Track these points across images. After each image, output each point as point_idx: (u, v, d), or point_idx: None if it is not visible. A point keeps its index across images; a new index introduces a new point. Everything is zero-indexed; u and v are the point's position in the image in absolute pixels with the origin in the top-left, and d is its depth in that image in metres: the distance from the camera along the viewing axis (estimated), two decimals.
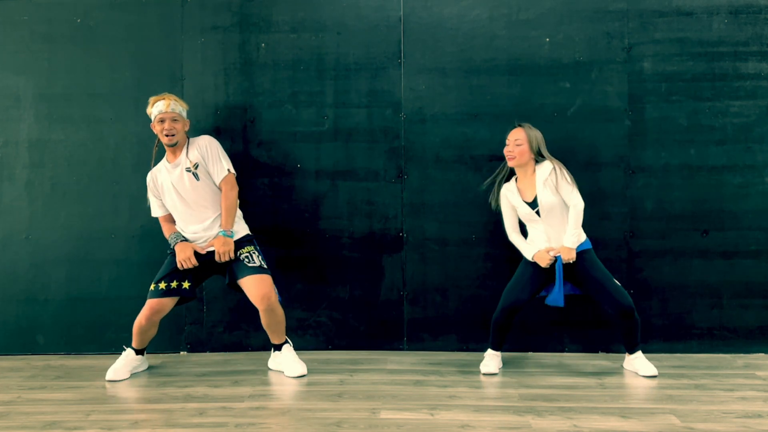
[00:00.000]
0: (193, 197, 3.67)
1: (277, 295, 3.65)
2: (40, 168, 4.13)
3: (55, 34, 4.12)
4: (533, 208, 3.60)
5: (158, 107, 3.64)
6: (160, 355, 4.08)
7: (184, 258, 3.60)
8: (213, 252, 3.67)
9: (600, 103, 3.96)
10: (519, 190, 3.68)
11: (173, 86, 4.08)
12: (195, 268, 3.66)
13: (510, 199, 3.71)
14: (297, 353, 3.85)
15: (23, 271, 4.13)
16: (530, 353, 4.02)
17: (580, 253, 3.58)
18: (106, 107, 4.11)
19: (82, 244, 4.11)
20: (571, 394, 3.27)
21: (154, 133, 4.03)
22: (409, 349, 4.09)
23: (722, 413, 2.99)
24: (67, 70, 4.12)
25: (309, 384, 3.48)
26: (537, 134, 3.65)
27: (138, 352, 3.74)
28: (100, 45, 4.11)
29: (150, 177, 3.76)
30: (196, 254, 3.66)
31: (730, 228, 3.95)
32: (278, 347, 3.74)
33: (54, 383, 3.57)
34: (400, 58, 4.05)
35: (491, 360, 3.68)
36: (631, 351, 3.64)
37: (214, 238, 3.65)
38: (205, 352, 4.12)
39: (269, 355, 3.92)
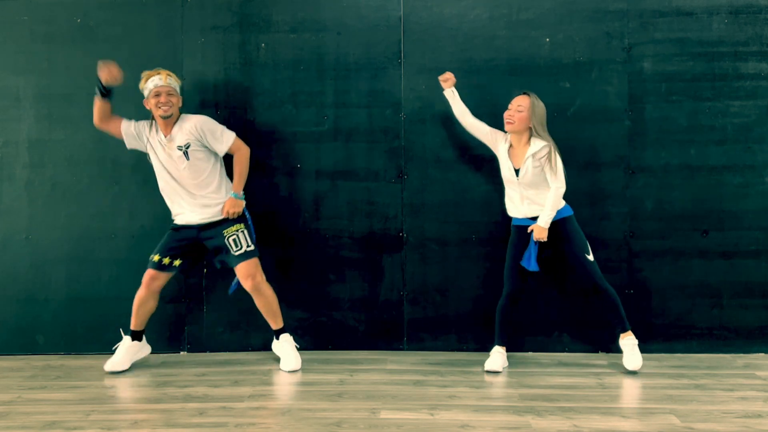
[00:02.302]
0: (181, 175, 3.73)
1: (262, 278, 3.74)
2: (40, 168, 4.13)
3: (55, 34, 4.12)
4: (516, 176, 3.64)
5: (154, 81, 3.68)
6: (160, 355, 4.07)
7: (108, 68, 3.64)
8: (203, 228, 3.74)
9: (600, 103, 3.96)
10: (510, 152, 3.70)
11: None
12: (187, 246, 3.78)
13: (501, 147, 3.72)
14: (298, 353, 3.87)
15: (23, 271, 4.13)
16: (530, 353, 4.02)
17: (559, 221, 3.63)
18: None
19: (82, 244, 4.11)
20: (571, 394, 3.27)
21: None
22: (409, 349, 4.09)
23: (722, 413, 2.99)
24: (67, 70, 4.12)
25: (309, 384, 3.48)
26: (541, 108, 3.65)
27: (135, 336, 3.79)
28: (100, 45, 4.11)
29: (139, 123, 3.80)
30: (188, 235, 3.76)
31: (730, 228, 3.95)
32: (276, 334, 3.81)
33: (54, 383, 3.57)
34: (400, 58, 4.05)
35: (496, 357, 3.69)
36: (618, 330, 3.69)
37: (223, 201, 3.76)
38: (205, 352, 4.12)
39: (269, 355, 3.93)
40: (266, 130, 4.07)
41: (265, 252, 4.03)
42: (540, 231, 3.57)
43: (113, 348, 3.87)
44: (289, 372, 3.69)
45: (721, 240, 3.95)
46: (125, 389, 3.45)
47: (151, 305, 3.79)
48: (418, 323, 4.08)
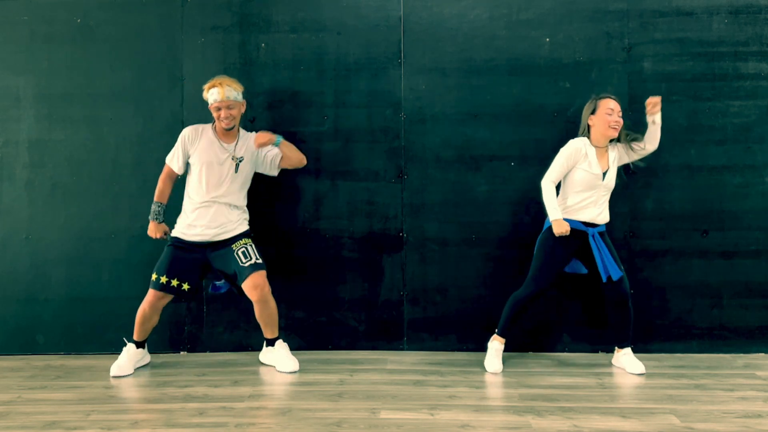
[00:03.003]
0: (220, 181, 3.71)
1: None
2: (40, 168, 4.13)
3: (55, 34, 4.12)
4: (602, 179, 3.63)
5: (213, 96, 3.69)
6: (160, 355, 4.07)
7: (152, 234, 3.79)
8: (212, 246, 3.71)
9: None
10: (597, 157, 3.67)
11: (173, 86, 4.08)
12: (197, 268, 3.73)
13: (583, 156, 3.63)
14: (297, 353, 3.87)
15: (23, 271, 4.13)
16: (530, 353, 4.02)
17: (604, 231, 3.67)
18: (106, 107, 4.10)
19: (82, 244, 4.11)
20: (571, 394, 3.27)
21: (154, 132, 4.06)
22: (409, 349, 4.09)
23: (722, 413, 2.99)
24: (67, 70, 4.12)
25: (309, 384, 3.48)
26: None
27: (138, 345, 3.78)
28: (100, 45, 4.11)
29: (193, 130, 3.77)
30: (196, 255, 3.71)
31: (730, 228, 3.95)
32: (271, 342, 3.79)
33: (54, 383, 3.57)
34: (400, 58, 4.05)
35: (496, 355, 3.68)
36: (621, 345, 3.68)
37: (239, 220, 3.78)
38: (205, 352, 4.12)
39: (263, 358, 3.93)
40: (266, 130, 4.07)
41: (266, 252, 4.03)
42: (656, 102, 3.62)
43: (122, 345, 3.87)
44: (288, 372, 3.68)
45: (721, 240, 3.95)
46: (125, 389, 3.45)
47: (155, 320, 3.76)
48: (418, 323, 4.08)
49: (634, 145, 3.71)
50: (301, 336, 4.09)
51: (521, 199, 3.97)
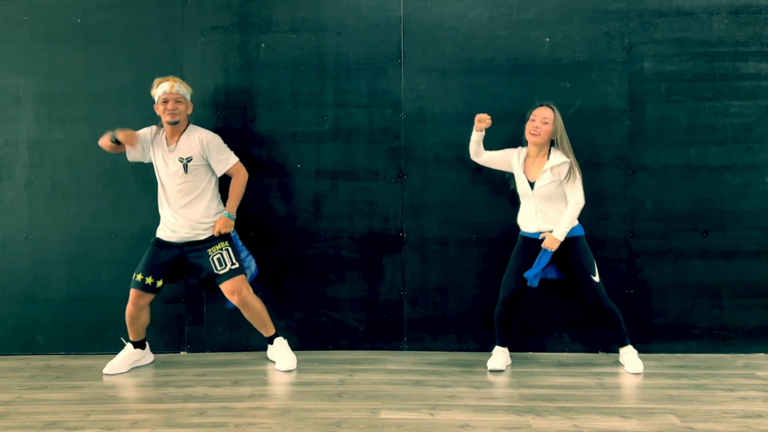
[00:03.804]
0: (175, 187, 3.73)
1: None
2: (40, 168, 4.13)
3: (55, 34, 4.12)
4: (531, 188, 3.65)
5: (162, 88, 3.71)
6: (160, 355, 4.07)
7: (126, 135, 3.70)
8: (187, 246, 3.73)
9: (600, 103, 3.96)
10: (525, 165, 3.71)
11: None
12: (170, 265, 3.76)
13: (514, 163, 3.73)
14: (297, 353, 3.87)
15: (23, 271, 4.13)
16: (530, 353, 4.02)
17: (570, 239, 3.64)
18: (106, 107, 4.10)
19: (82, 244, 4.11)
20: (571, 394, 3.27)
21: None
22: (409, 349, 4.09)
23: (722, 413, 2.99)
24: (67, 70, 4.12)
25: (309, 384, 3.48)
26: (561, 122, 3.68)
27: (136, 345, 3.79)
28: (100, 45, 4.11)
29: (153, 129, 3.83)
30: (172, 254, 3.74)
31: (730, 228, 3.95)
32: (270, 340, 3.83)
33: (54, 383, 3.57)
34: (400, 58, 4.05)
35: (499, 356, 3.70)
36: (619, 344, 3.72)
37: (212, 222, 3.76)
38: (205, 352, 4.12)
39: (269, 356, 3.94)
40: (266, 130, 4.07)
41: (266, 252, 4.03)
42: (553, 241, 3.57)
43: (122, 346, 3.88)
44: (285, 372, 3.69)
45: (721, 240, 3.95)
46: (125, 389, 3.45)
47: (144, 319, 3.78)
48: (418, 323, 4.07)
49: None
50: (301, 336, 4.09)
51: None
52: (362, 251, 4.08)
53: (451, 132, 4.02)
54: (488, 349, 4.00)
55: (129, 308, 3.73)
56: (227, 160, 3.78)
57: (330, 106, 4.07)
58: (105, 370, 3.70)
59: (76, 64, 4.11)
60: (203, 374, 3.68)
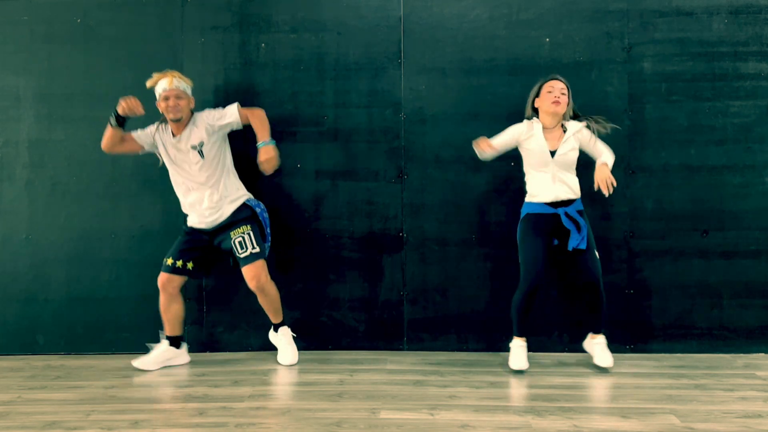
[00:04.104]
0: (196, 175, 3.75)
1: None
2: (40, 168, 4.13)
3: (55, 34, 4.12)
4: (552, 156, 3.62)
5: (162, 85, 3.70)
6: None
7: (127, 102, 3.66)
8: (215, 232, 3.78)
9: (600, 103, 3.96)
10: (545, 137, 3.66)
11: None
12: (200, 249, 3.80)
13: (529, 134, 3.66)
14: (297, 353, 3.87)
15: (23, 271, 4.13)
16: (530, 353, 4.01)
17: (580, 212, 3.65)
18: (106, 107, 4.09)
19: (82, 244, 4.11)
20: (571, 394, 3.27)
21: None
22: (409, 349, 4.09)
23: (722, 413, 2.99)
24: (67, 70, 4.12)
25: (309, 384, 3.48)
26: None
27: (172, 342, 3.82)
28: (100, 45, 4.11)
29: (156, 127, 3.82)
30: (201, 238, 3.79)
31: (730, 228, 3.95)
32: (276, 327, 3.88)
33: (54, 383, 3.57)
34: (400, 58, 4.05)
35: (520, 354, 3.64)
36: (595, 330, 3.69)
37: (236, 197, 3.78)
38: (205, 352, 4.12)
39: (269, 355, 3.94)
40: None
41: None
42: (604, 169, 3.51)
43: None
44: (286, 366, 3.73)
45: (721, 240, 3.95)
46: (125, 389, 3.45)
47: (176, 309, 3.81)
48: (418, 323, 4.08)
49: (591, 136, 3.67)
50: (301, 336, 4.09)
51: (521, 199, 3.96)
52: (362, 251, 4.08)
53: (451, 132, 4.02)
54: (488, 349, 4.02)
55: (161, 297, 3.78)
56: (229, 110, 3.77)
57: (330, 106, 4.07)
58: (135, 363, 3.74)
59: (76, 64, 4.12)
60: (203, 374, 3.68)
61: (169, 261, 3.78)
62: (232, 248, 3.74)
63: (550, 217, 3.63)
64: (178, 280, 3.78)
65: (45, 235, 4.12)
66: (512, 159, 3.99)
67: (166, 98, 3.69)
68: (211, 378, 3.61)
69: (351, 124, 4.07)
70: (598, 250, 3.84)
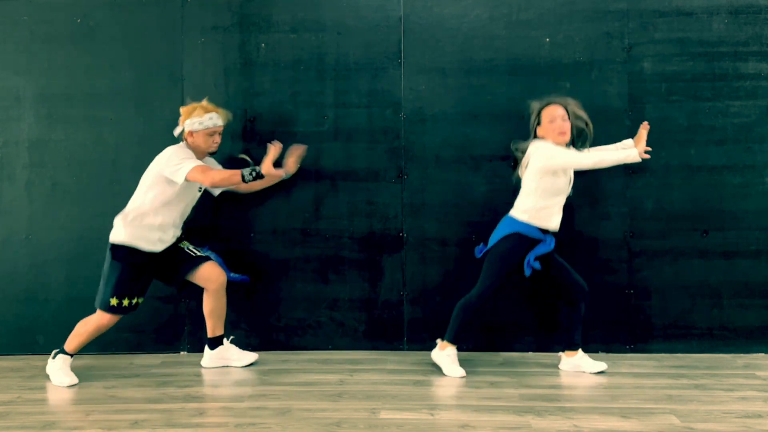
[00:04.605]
0: (192, 203, 3.76)
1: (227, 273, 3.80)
2: (40, 168, 4.13)
3: (55, 34, 4.12)
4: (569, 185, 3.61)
5: (213, 120, 3.65)
6: (160, 355, 4.07)
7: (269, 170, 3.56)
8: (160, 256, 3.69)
9: (600, 103, 3.96)
10: None
11: (173, 86, 4.08)
12: (147, 277, 3.69)
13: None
14: (298, 353, 3.88)
15: (23, 271, 4.13)
16: (530, 353, 4.02)
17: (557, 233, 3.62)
18: (106, 107, 4.10)
19: (82, 244, 4.11)
20: (571, 394, 3.27)
21: (154, 132, 4.05)
22: (409, 349, 4.09)
23: (722, 413, 2.99)
24: (67, 70, 4.12)
25: (309, 384, 3.48)
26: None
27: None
28: (100, 45, 4.11)
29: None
30: (148, 269, 3.67)
31: (730, 228, 3.95)
32: (219, 341, 3.83)
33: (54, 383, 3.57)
34: (400, 58, 4.05)
35: (455, 362, 3.63)
36: (575, 347, 3.64)
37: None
38: None
39: (269, 356, 3.92)
40: (266, 130, 4.07)
41: (266, 252, 4.03)
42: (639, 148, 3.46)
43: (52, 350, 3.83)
44: (249, 366, 3.77)
45: (721, 240, 3.95)
46: (125, 389, 3.45)
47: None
48: (418, 323, 4.07)
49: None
50: (301, 336, 4.09)
51: None
52: (362, 251, 4.08)
53: (451, 132, 4.02)
54: (488, 349, 4.02)
55: (101, 329, 3.65)
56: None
57: (330, 106, 4.07)
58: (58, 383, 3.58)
59: (76, 64, 4.12)
60: (203, 374, 3.68)
61: (125, 302, 3.60)
62: (183, 254, 3.71)
63: (535, 242, 3.57)
64: (115, 320, 3.63)
65: (45, 235, 4.12)
66: (512, 159, 3.99)
67: (213, 134, 3.66)
68: (211, 378, 3.61)
69: (351, 124, 4.07)
70: (598, 250, 3.85)
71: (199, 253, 3.75)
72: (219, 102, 4.05)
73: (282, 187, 4.06)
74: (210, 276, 3.72)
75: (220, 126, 3.70)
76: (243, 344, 4.11)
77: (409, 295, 4.08)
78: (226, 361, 3.82)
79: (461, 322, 3.60)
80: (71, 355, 3.64)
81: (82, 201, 4.11)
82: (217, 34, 4.09)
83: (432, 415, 3.01)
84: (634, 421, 2.90)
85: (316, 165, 4.07)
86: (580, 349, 3.65)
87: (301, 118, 4.07)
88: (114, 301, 3.58)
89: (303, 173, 4.07)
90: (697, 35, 3.96)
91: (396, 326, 4.08)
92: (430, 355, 3.94)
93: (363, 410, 3.07)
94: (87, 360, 3.99)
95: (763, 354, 3.94)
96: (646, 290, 3.98)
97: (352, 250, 4.08)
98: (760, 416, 2.96)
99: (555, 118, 3.53)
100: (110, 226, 4.08)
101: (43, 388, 3.49)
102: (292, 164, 3.80)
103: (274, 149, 3.64)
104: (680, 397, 3.22)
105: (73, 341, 3.62)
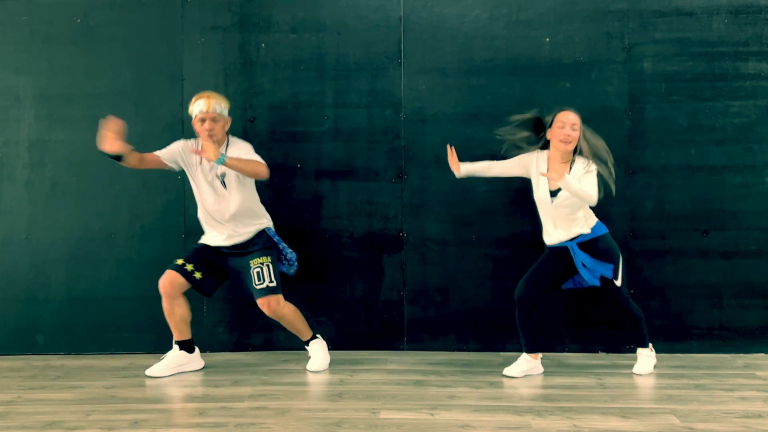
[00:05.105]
0: (219, 201, 3.65)
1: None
2: (40, 168, 4.13)
3: (55, 34, 4.12)
4: (551, 196, 3.51)
5: (199, 106, 3.60)
6: (161, 355, 4.07)
7: (107, 142, 3.46)
8: (231, 253, 3.70)
9: (600, 103, 3.96)
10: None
11: (173, 86, 4.08)
12: (211, 266, 3.70)
13: (533, 168, 3.55)
14: (298, 353, 3.88)
15: (23, 271, 4.13)
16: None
17: (594, 239, 3.52)
18: (106, 107, 4.09)
19: (82, 244, 4.11)
20: (571, 394, 3.27)
21: (154, 132, 4.05)
22: (409, 349, 4.09)
23: (722, 413, 2.99)
24: (67, 70, 4.12)
25: (309, 384, 3.48)
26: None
27: (182, 346, 3.73)
28: (100, 45, 4.11)
29: (184, 144, 3.68)
30: (215, 255, 3.70)
31: (730, 228, 3.95)
32: (306, 343, 3.81)
33: (54, 383, 3.57)
34: (400, 58, 4.05)
35: (519, 363, 3.60)
36: (639, 344, 3.63)
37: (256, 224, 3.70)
38: (205, 352, 4.11)
39: (269, 356, 3.94)
40: (266, 130, 4.07)
41: None
42: (559, 174, 3.33)
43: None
44: (312, 372, 3.69)
45: (721, 240, 3.95)
46: (125, 389, 3.45)
47: (180, 311, 3.68)
48: (418, 323, 4.08)
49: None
50: None
51: (521, 199, 3.96)
52: (362, 251, 4.08)
53: (451, 132, 4.02)
54: (488, 349, 4.03)
55: (163, 302, 3.65)
56: (257, 159, 3.60)
57: (330, 106, 4.07)
58: (147, 372, 3.64)
59: (76, 64, 4.12)
60: (203, 374, 3.68)
61: (180, 261, 3.66)
62: (248, 276, 3.65)
63: (561, 249, 3.54)
64: (180, 282, 3.63)
65: (45, 235, 4.12)
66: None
67: (203, 120, 3.58)
68: (211, 378, 3.61)
69: (351, 124, 4.07)
70: None
71: (258, 285, 3.62)
72: None
73: (282, 187, 4.06)
74: (264, 307, 3.66)
75: (205, 112, 3.57)
76: (243, 344, 4.12)
77: (409, 295, 4.08)
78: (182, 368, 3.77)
79: (521, 333, 3.61)
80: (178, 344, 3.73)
81: (82, 201, 4.11)
82: (217, 34, 4.09)
83: (432, 415, 3.01)
84: (634, 421, 2.90)
85: (316, 165, 4.07)
86: (644, 347, 3.61)
87: (301, 118, 4.08)
88: (179, 261, 3.68)
89: (303, 173, 4.07)
90: (697, 35, 3.96)
91: (396, 326, 4.09)
92: (430, 355, 3.96)
93: (363, 410, 3.07)
94: (87, 360, 4.00)
95: (763, 354, 3.94)
96: (646, 290, 3.98)
97: (352, 250, 4.08)
98: (760, 416, 2.96)
99: (565, 124, 3.50)
100: (110, 226, 4.12)
101: (43, 388, 3.49)
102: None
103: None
104: (680, 397, 3.22)
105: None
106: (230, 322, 4.12)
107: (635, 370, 3.59)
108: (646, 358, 3.61)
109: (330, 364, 3.82)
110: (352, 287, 4.09)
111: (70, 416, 3.06)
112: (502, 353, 4.00)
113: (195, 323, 4.10)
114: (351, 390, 3.37)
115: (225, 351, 4.11)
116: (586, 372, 3.64)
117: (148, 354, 4.07)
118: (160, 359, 3.86)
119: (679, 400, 3.17)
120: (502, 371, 3.62)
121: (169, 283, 3.63)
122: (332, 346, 4.11)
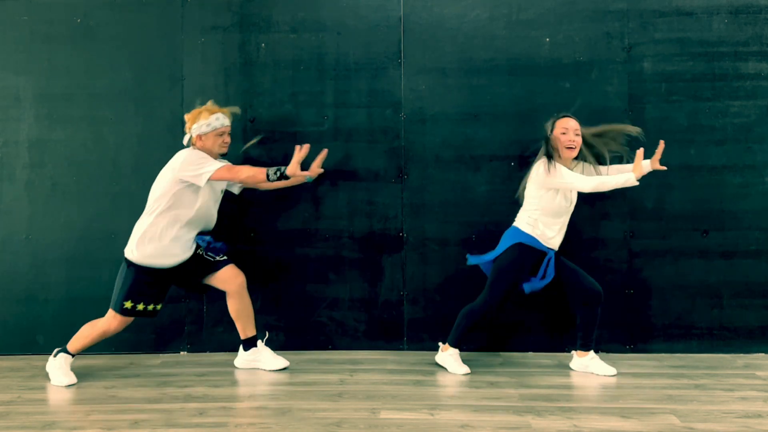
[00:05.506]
0: (211, 209, 3.70)
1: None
2: (40, 168, 4.13)
3: (55, 34, 4.12)
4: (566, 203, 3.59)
5: (220, 120, 3.63)
6: (160, 355, 4.07)
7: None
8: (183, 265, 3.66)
9: (600, 103, 3.96)
10: None
11: (173, 86, 4.08)
12: (164, 285, 3.66)
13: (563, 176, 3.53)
14: (298, 353, 3.88)
15: (23, 271, 4.13)
16: (530, 353, 4.02)
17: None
18: (106, 107, 4.11)
19: (82, 244, 4.11)
20: (571, 394, 3.27)
21: (154, 132, 4.05)
22: (409, 349, 4.09)
23: (722, 413, 2.99)
24: (67, 70, 4.12)
25: (309, 384, 3.48)
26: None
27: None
28: (100, 45, 4.11)
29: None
30: (165, 279, 3.64)
31: (730, 228, 3.95)
32: (253, 341, 3.78)
33: (54, 383, 3.57)
34: (400, 58, 4.05)
35: (457, 360, 3.66)
36: (590, 347, 3.63)
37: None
38: (205, 352, 4.12)
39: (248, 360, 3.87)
40: (266, 130, 4.07)
41: (266, 252, 4.03)
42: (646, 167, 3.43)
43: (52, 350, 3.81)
44: (279, 370, 3.70)
45: (721, 240, 3.95)
46: (125, 389, 3.45)
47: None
48: (418, 323, 4.08)
49: (598, 167, 3.64)
50: (302, 336, 4.09)
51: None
52: (362, 251, 4.08)
53: (451, 132, 4.02)
54: (488, 349, 4.02)
55: (109, 331, 3.58)
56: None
57: (330, 106, 4.07)
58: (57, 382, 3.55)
59: (76, 64, 4.12)
60: (203, 374, 3.68)
61: (140, 306, 3.56)
62: (202, 261, 3.66)
63: (539, 253, 3.60)
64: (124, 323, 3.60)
65: (45, 235, 4.12)
66: (512, 159, 4.00)
67: (222, 134, 3.64)
68: (211, 378, 3.61)
69: (351, 124, 4.07)
70: (598, 250, 3.85)
71: (217, 259, 3.69)
72: (219, 102, 4.05)
73: (289, 188, 4.05)
74: (227, 278, 3.68)
75: (227, 126, 3.67)
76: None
77: (409, 295, 4.08)
78: (256, 363, 3.76)
79: (464, 329, 3.64)
80: (72, 355, 3.62)
81: (82, 201, 4.11)
82: (217, 34, 4.09)
83: (432, 415, 3.01)
84: (634, 421, 2.90)
85: None
86: (591, 351, 3.64)
87: (301, 118, 4.08)
88: (128, 304, 3.55)
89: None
90: (697, 35, 3.96)
91: (396, 326, 4.09)
92: (430, 355, 3.95)
93: (363, 410, 3.07)
94: (87, 360, 3.99)
95: (763, 354, 3.94)
96: (646, 290, 3.98)
97: (352, 250, 4.08)
98: (760, 416, 2.96)
99: (567, 129, 3.53)
100: (110, 226, 4.10)
101: (43, 388, 3.49)
102: (315, 167, 3.67)
103: (302, 151, 3.53)
104: (680, 397, 3.22)
105: (77, 342, 3.60)
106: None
107: (605, 373, 3.56)
108: (597, 360, 3.62)
109: (330, 363, 3.82)
110: (352, 287, 4.09)
111: (70, 416, 3.06)
112: (502, 353, 4.00)
113: (195, 323, 4.11)
114: (351, 390, 3.37)
115: (225, 351, 4.11)
116: (586, 372, 3.63)
117: (149, 354, 4.07)
118: (160, 359, 3.87)
119: (679, 400, 3.17)
120: (502, 371, 3.63)
121: (114, 331, 3.60)
122: (332, 346, 4.11)
